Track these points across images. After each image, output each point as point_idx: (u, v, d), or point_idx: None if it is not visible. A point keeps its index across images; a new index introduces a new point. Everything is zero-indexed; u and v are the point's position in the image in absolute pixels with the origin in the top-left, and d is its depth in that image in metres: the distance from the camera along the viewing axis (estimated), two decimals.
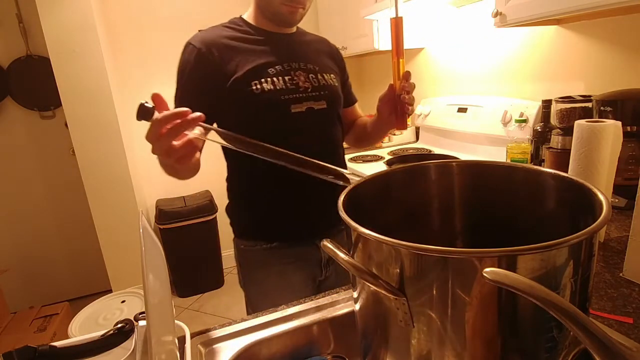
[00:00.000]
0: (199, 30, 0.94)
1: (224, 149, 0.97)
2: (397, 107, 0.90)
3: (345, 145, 1.12)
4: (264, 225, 1.00)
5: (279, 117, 0.92)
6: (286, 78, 0.92)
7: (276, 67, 0.92)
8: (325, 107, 0.97)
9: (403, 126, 0.92)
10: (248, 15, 0.98)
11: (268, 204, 0.98)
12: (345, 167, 1.08)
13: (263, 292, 1.01)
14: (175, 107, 0.85)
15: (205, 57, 0.89)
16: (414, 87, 0.88)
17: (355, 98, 1.18)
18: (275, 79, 0.91)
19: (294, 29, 1.02)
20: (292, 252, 0.99)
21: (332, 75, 1.02)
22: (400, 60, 0.84)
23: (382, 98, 0.93)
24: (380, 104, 0.94)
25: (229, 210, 1.06)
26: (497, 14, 1.20)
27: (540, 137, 1.28)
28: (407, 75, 0.86)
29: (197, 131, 0.62)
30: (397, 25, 0.80)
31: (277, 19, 0.94)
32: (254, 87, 0.88)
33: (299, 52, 0.98)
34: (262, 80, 0.90)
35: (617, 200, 0.98)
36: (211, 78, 0.89)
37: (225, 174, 1.03)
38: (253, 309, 1.04)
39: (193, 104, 0.83)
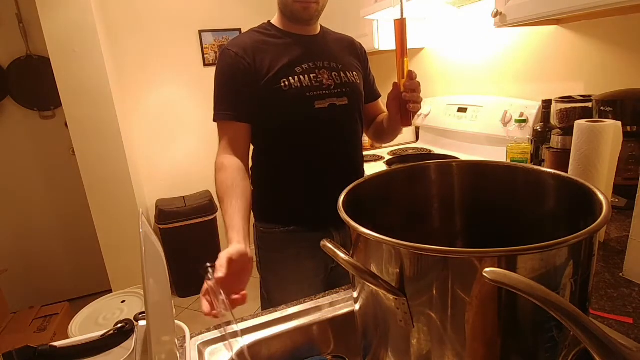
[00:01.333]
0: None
1: (252, 140, 1.05)
2: (401, 104, 0.94)
3: (366, 139, 1.17)
4: (283, 209, 1.07)
5: (304, 112, 0.99)
6: (311, 76, 0.99)
7: (303, 65, 0.99)
8: (347, 104, 1.03)
9: (407, 123, 0.96)
10: (275, 20, 1.05)
11: (287, 190, 1.05)
12: (363, 162, 1.16)
13: (279, 274, 1.08)
14: (215, 106, 0.98)
15: (241, 59, 0.96)
16: (419, 85, 0.91)
17: (379, 93, 1.23)
18: (301, 76, 0.98)
19: (318, 30, 1.07)
20: (308, 237, 1.04)
21: (354, 72, 1.07)
22: (405, 59, 0.87)
23: (389, 96, 0.98)
24: (388, 101, 0.99)
25: (252, 196, 1.11)
26: (497, 14, 1.20)
27: (540, 137, 1.28)
28: (411, 74, 0.90)
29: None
30: (401, 26, 0.83)
31: (294, 17, 1.00)
32: (283, 84, 0.96)
33: (323, 52, 1.04)
34: (290, 77, 0.97)
35: (617, 200, 0.98)
36: (246, 78, 0.96)
37: None
38: (267, 290, 1.11)
39: (231, 101, 0.97)
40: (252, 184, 1.10)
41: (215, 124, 1.00)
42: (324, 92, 1.00)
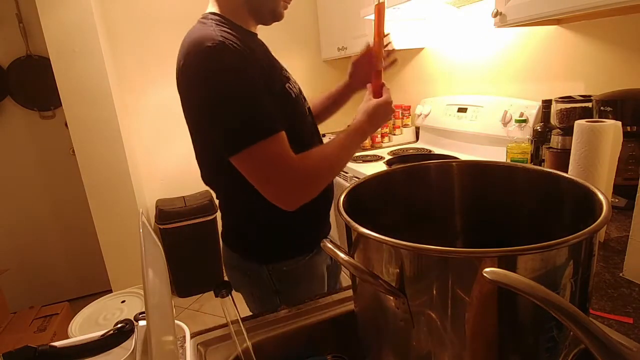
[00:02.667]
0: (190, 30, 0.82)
1: (241, 190, 0.81)
2: (373, 67, 0.93)
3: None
4: (311, 232, 0.93)
5: (305, 119, 0.90)
6: (292, 79, 0.89)
7: (283, 68, 0.89)
8: (309, 106, 0.97)
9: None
10: (230, 14, 0.81)
11: (304, 216, 0.86)
12: None
13: (305, 296, 0.92)
14: (255, 120, 0.72)
15: (251, 56, 0.75)
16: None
17: None
18: (291, 81, 0.87)
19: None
20: (325, 254, 0.94)
21: None
22: (382, 41, 0.92)
23: (356, 61, 0.99)
24: (355, 66, 0.99)
25: (254, 240, 0.91)
26: (497, 14, 1.20)
27: (540, 137, 1.28)
28: (387, 36, 0.92)
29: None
30: (379, 10, 0.89)
31: (269, 16, 0.86)
32: (288, 89, 0.83)
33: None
34: (288, 83, 0.85)
35: (617, 200, 0.98)
36: (264, 79, 0.77)
37: None
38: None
39: (271, 109, 0.74)
40: (248, 229, 0.91)
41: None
42: (302, 95, 0.91)
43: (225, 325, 0.68)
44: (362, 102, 0.89)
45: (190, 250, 2.50)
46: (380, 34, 0.90)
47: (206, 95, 0.72)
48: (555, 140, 1.16)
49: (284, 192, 0.76)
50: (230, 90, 0.71)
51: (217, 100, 0.72)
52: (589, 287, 0.39)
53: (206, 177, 0.91)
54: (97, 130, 2.07)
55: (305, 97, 0.95)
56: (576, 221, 0.42)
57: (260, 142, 0.71)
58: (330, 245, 0.42)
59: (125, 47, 2.41)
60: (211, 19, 0.79)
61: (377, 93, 0.90)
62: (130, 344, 0.66)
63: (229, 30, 0.76)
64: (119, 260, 2.22)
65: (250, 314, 0.73)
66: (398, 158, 1.86)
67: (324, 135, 1.59)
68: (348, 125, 0.88)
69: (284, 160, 0.74)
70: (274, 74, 0.82)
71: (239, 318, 0.65)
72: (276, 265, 0.90)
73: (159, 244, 0.57)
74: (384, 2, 0.88)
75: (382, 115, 0.87)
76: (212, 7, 0.83)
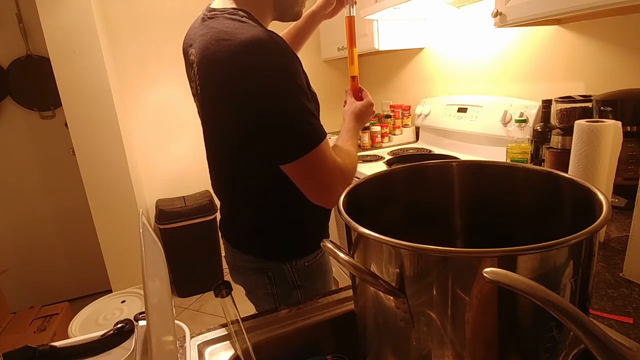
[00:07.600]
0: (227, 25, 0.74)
1: (273, 188, 0.83)
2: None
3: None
4: (324, 229, 0.96)
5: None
6: None
7: None
8: None
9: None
10: (242, 5, 0.78)
11: (324, 209, 0.87)
12: None
13: (321, 289, 0.96)
14: (314, 124, 0.72)
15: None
16: None
17: None
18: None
19: None
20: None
21: None
22: (354, 49, 0.97)
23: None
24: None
25: (279, 239, 0.90)
26: (497, 14, 1.20)
27: (540, 137, 1.28)
28: None
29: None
30: (350, 22, 0.96)
31: (292, 16, 0.89)
32: (314, 92, 0.81)
33: None
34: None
35: (617, 200, 0.98)
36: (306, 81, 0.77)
37: None
38: None
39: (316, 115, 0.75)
40: (272, 230, 0.90)
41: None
42: None
43: (225, 325, 0.68)
44: (347, 105, 0.96)
45: (190, 250, 2.50)
46: (352, 44, 0.96)
47: (268, 102, 0.69)
48: (555, 140, 1.16)
49: (333, 192, 0.76)
50: (294, 96, 0.70)
51: (281, 107, 0.70)
52: (589, 287, 0.39)
53: (224, 184, 0.91)
54: (97, 130, 2.07)
55: None
56: (576, 221, 0.42)
57: (317, 147, 0.72)
58: (330, 245, 0.42)
59: (125, 47, 2.41)
60: (243, 15, 0.74)
61: (357, 96, 0.98)
62: (130, 344, 0.66)
63: (270, 31, 0.72)
64: (119, 260, 2.22)
65: (250, 314, 0.72)
66: (398, 158, 1.87)
67: None
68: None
69: (334, 161, 0.75)
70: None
71: (239, 318, 0.65)
72: (299, 261, 0.90)
73: (159, 244, 0.57)
74: (354, 16, 0.96)
75: (367, 116, 0.96)
76: (228, 3, 0.78)
